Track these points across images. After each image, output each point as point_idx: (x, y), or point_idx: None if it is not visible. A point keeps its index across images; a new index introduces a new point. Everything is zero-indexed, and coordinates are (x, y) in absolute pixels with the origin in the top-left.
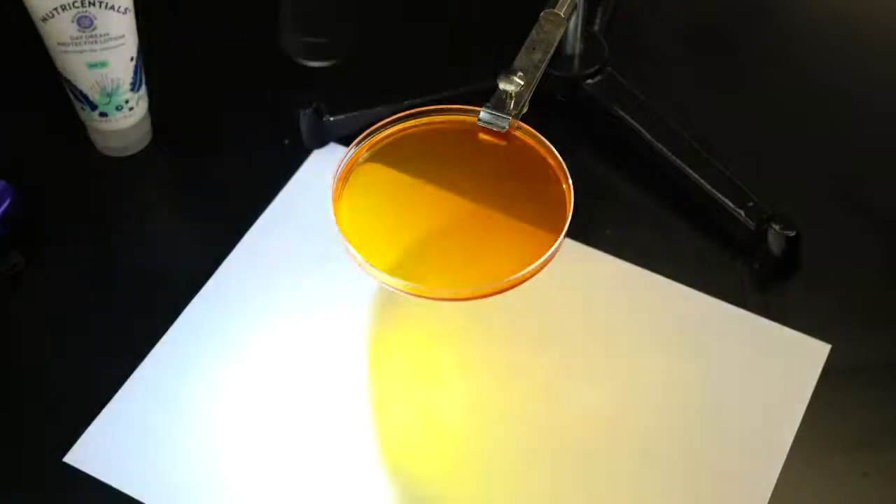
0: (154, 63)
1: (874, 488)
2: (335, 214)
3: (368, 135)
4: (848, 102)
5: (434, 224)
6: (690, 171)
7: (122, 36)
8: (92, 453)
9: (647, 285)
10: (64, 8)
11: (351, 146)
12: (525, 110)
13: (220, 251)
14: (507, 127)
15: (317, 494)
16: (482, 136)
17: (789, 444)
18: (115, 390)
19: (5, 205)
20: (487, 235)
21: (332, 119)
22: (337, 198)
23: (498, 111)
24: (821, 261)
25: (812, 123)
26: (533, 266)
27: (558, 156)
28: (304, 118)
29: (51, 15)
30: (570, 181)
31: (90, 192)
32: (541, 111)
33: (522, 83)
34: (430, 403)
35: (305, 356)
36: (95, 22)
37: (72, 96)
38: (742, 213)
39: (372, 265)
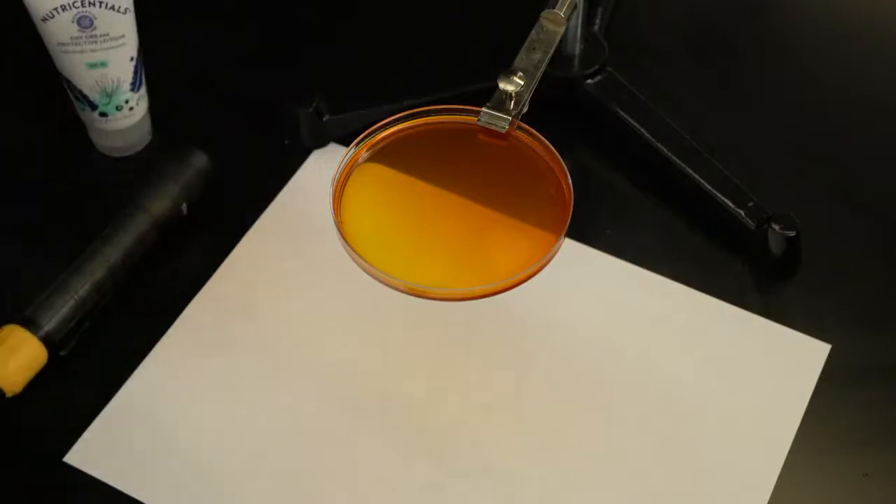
0: (154, 63)
1: (874, 488)
2: (335, 214)
3: (368, 135)
4: (848, 102)
5: (434, 224)
6: (690, 171)
7: (122, 36)
8: (92, 453)
9: (647, 285)
10: (64, 8)
11: (351, 146)
12: (525, 110)
13: (220, 251)
14: (507, 127)
15: (316, 494)
16: (482, 136)
17: (789, 444)
18: (116, 390)
19: None
20: (487, 235)
21: (332, 119)
22: (337, 198)
23: (498, 111)
24: (821, 261)
25: (812, 123)
26: (533, 266)
27: (558, 156)
28: (304, 118)
29: (51, 15)
30: (570, 181)
31: (90, 192)
32: (541, 111)
33: (522, 83)
34: (430, 403)
35: (305, 355)
36: (95, 22)
37: (72, 96)
38: (742, 213)
39: (372, 265)
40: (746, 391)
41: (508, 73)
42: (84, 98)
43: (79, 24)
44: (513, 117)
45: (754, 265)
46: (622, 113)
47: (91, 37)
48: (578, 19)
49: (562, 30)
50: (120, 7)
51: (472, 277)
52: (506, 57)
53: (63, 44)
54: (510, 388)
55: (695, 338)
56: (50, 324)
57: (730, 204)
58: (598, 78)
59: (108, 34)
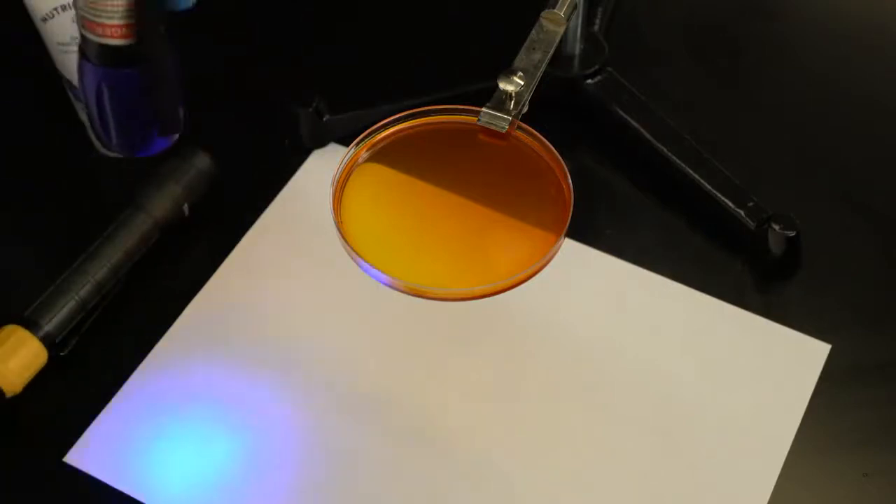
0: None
1: (874, 488)
2: (335, 214)
3: (368, 135)
4: (848, 102)
5: (434, 224)
6: (690, 171)
7: None
8: (92, 453)
9: (647, 285)
10: (64, 8)
11: (351, 146)
12: (525, 110)
13: (220, 251)
14: (507, 127)
15: (315, 493)
16: (482, 136)
17: (789, 444)
18: (116, 390)
19: None
20: (487, 235)
21: (332, 119)
22: (337, 198)
23: (498, 111)
24: (821, 261)
25: (812, 123)
26: (533, 266)
27: (558, 156)
28: (304, 118)
29: (51, 15)
30: (570, 181)
31: (90, 192)
32: (541, 111)
33: (522, 83)
34: (430, 403)
35: (305, 356)
36: None
37: (72, 96)
38: (742, 212)
39: (372, 265)
40: (746, 391)
41: (508, 73)
42: None
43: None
44: (513, 117)
45: (754, 265)
46: (622, 113)
47: None
48: (578, 19)
49: (562, 30)
50: None
51: (472, 277)
52: (506, 57)
53: (63, 44)
54: (510, 388)
55: (695, 338)
56: (50, 324)
57: (730, 204)
58: (598, 78)
59: None
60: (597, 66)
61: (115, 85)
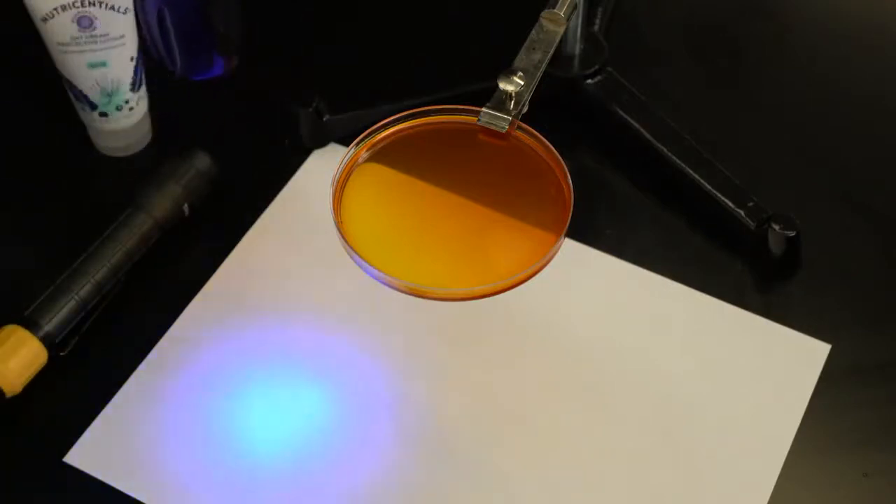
0: (154, 63)
1: (874, 488)
2: (335, 214)
3: (368, 135)
4: (848, 102)
5: (434, 224)
6: (690, 171)
7: (122, 36)
8: (92, 453)
9: (647, 285)
10: (64, 8)
11: (351, 146)
12: (525, 110)
13: (220, 251)
14: (507, 127)
15: (315, 493)
16: (482, 136)
17: (789, 444)
18: (116, 390)
19: None
20: (487, 235)
21: (332, 119)
22: (337, 198)
23: (498, 111)
24: (821, 261)
25: (812, 123)
26: (533, 266)
27: (558, 156)
28: (304, 118)
29: (51, 15)
30: (570, 181)
31: (90, 192)
32: (541, 111)
33: (522, 83)
34: (430, 403)
35: (305, 356)
36: (95, 22)
37: (72, 96)
38: (742, 212)
39: (371, 265)
40: (746, 391)
41: (508, 73)
42: (84, 98)
43: (79, 24)
44: (513, 117)
45: (754, 265)
46: (622, 113)
47: (91, 37)
48: (578, 19)
49: (562, 30)
50: (120, 7)
51: (472, 277)
52: (506, 57)
53: (63, 44)
54: (510, 388)
55: (695, 338)
56: (50, 324)
57: (730, 204)
58: (598, 78)
59: (108, 34)
60: (597, 66)
61: (175, 5)
